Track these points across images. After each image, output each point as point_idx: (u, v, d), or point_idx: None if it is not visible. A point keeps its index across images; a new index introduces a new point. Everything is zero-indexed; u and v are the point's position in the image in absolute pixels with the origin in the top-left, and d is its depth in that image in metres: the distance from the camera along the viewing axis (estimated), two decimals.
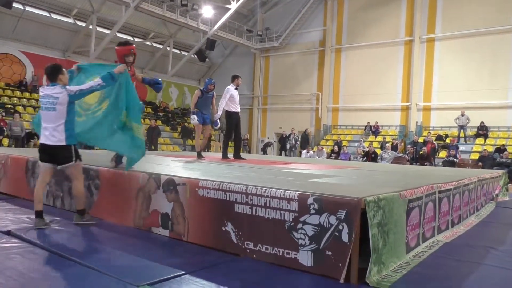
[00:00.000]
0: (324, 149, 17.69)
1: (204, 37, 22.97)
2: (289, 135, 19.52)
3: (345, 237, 2.67)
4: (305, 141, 19.53)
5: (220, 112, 7.24)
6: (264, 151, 21.70)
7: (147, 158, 5.30)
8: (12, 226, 3.77)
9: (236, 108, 7.35)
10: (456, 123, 18.08)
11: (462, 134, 18.06)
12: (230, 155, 7.76)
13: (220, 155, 8.00)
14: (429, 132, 18.58)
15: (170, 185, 3.64)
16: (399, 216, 3.16)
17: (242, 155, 8.11)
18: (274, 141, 23.14)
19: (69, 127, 3.72)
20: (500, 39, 18.08)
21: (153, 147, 17.28)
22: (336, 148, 17.52)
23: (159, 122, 21.18)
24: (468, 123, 17.86)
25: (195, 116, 7.17)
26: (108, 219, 4.18)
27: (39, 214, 3.80)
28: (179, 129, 23.25)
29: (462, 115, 17.83)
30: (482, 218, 5.46)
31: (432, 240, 3.84)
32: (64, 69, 3.93)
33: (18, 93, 18.65)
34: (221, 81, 27.01)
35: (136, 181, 3.97)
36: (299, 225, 2.85)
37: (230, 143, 7.92)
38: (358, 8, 22.28)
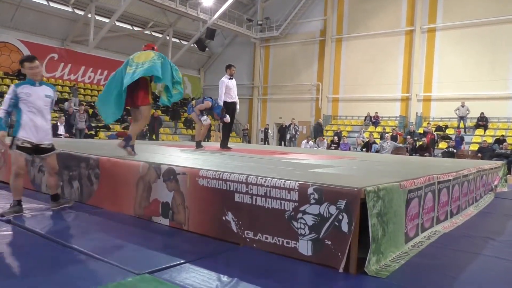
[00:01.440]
0: (325, 140, 17.70)
1: (203, 26, 22.83)
2: (289, 125, 19.50)
3: (344, 227, 2.68)
4: (318, 132, 19.24)
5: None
6: (265, 141, 21.59)
7: (147, 147, 5.30)
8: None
9: (231, 98, 7.38)
10: (456, 114, 18.07)
11: (462, 125, 18.07)
12: (231, 144, 7.79)
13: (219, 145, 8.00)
14: (428, 123, 18.58)
15: (170, 175, 3.65)
16: (398, 206, 3.17)
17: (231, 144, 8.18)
18: (267, 128, 22.96)
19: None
20: (501, 29, 17.99)
21: (154, 137, 17.28)
22: (336, 138, 17.53)
23: (159, 112, 21.11)
24: (468, 114, 17.85)
25: (207, 118, 7.33)
26: (108, 208, 4.20)
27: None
28: (182, 118, 23.23)
29: (462, 106, 17.81)
30: (481, 209, 5.49)
31: (431, 231, 3.86)
32: (25, 63, 3.88)
33: (16, 82, 18.59)
34: (221, 70, 26.69)
35: (136, 170, 3.97)
36: (299, 215, 2.86)
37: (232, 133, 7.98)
38: None
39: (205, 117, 7.26)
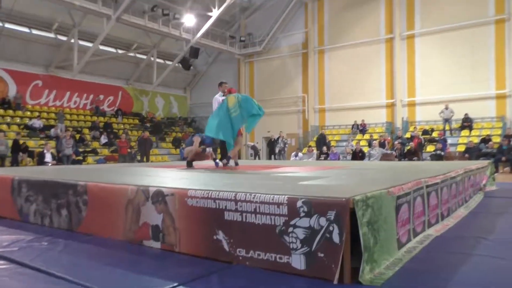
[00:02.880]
0: (314, 151, 17.76)
1: (187, 46, 22.97)
2: (278, 138, 19.54)
3: (336, 238, 2.68)
4: (321, 143, 18.84)
5: None
6: (256, 155, 21.46)
7: (136, 170, 5.28)
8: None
9: None
10: (441, 116, 18.34)
11: (447, 127, 18.31)
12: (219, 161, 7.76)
13: (210, 163, 7.97)
14: (415, 127, 18.80)
15: (159, 196, 3.62)
16: (388, 213, 3.18)
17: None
18: (257, 143, 22.88)
19: None
20: (478, 31, 18.42)
21: (145, 159, 17.17)
22: (324, 148, 17.60)
23: (147, 133, 21.02)
24: (452, 116, 18.12)
25: (210, 149, 7.52)
26: (98, 234, 4.14)
27: None
28: (167, 139, 23.16)
29: (446, 108, 18.09)
30: (471, 209, 5.53)
31: (423, 235, 3.88)
32: None
33: (1, 111, 18.40)
34: (207, 88, 26.98)
35: (124, 194, 3.93)
36: (290, 229, 2.85)
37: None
38: (338, 9, 22.52)
39: (207, 149, 7.33)
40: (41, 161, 13.83)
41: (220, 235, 3.20)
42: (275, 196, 2.95)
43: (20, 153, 14.86)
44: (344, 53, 22.27)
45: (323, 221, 2.73)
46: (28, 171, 6.49)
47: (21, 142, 16.26)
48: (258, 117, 6.73)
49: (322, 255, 2.72)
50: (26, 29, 20.08)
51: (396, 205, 3.33)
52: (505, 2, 17.91)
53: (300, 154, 17.65)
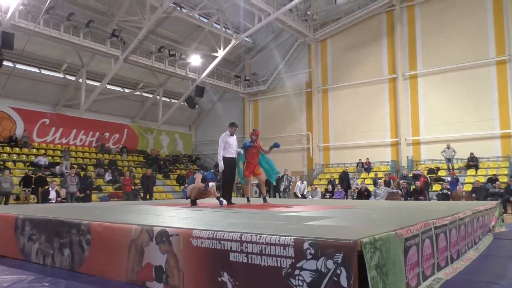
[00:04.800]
0: (318, 189, 17.63)
1: (193, 85, 23.39)
2: (282, 176, 19.45)
3: (343, 281, 2.61)
4: (344, 181, 18.42)
5: (220, 164, 7.34)
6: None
7: (140, 208, 5.25)
8: None
9: (231, 154, 7.48)
10: (443, 155, 18.28)
11: (450, 167, 18.21)
12: (234, 200, 7.78)
13: (214, 201, 7.92)
14: (417, 165, 18.71)
15: (163, 237, 3.57)
16: (396, 255, 3.11)
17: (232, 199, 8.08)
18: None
19: None
20: (480, 72, 18.71)
21: (148, 196, 17.07)
22: (330, 187, 17.48)
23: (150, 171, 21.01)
24: (454, 155, 18.06)
25: (212, 184, 7.59)
26: (100, 274, 4.06)
27: None
28: (171, 176, 23.13)
29: (448, 147, 18.06)
30: (481, 251, 5.40)
31: (432, 278, 3.77)
32: None
33: (8, 148, 18.56)
34: (212, 126, 27.16)
35: (128, 234, 3.88)
36: (296, 271, 2.78)
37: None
38: (341, 50, 23.04)
39: (210, 184, 7.36)
40: (45, 198, 13.79)
41: (225, 277, 3.12)
42: (281, 237, 2.91)
43: (26, 189, 14.86)
44: (348, 93, 22.58)
45: (330, 263, 2.67)
46: (32, 209, 6.47)
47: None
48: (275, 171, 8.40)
49: None
50: (35, 69, 20.60)
51: (404, 248, 3.26)
52: (505, 44, 18.28)
53: (305, 183, 17.99)
